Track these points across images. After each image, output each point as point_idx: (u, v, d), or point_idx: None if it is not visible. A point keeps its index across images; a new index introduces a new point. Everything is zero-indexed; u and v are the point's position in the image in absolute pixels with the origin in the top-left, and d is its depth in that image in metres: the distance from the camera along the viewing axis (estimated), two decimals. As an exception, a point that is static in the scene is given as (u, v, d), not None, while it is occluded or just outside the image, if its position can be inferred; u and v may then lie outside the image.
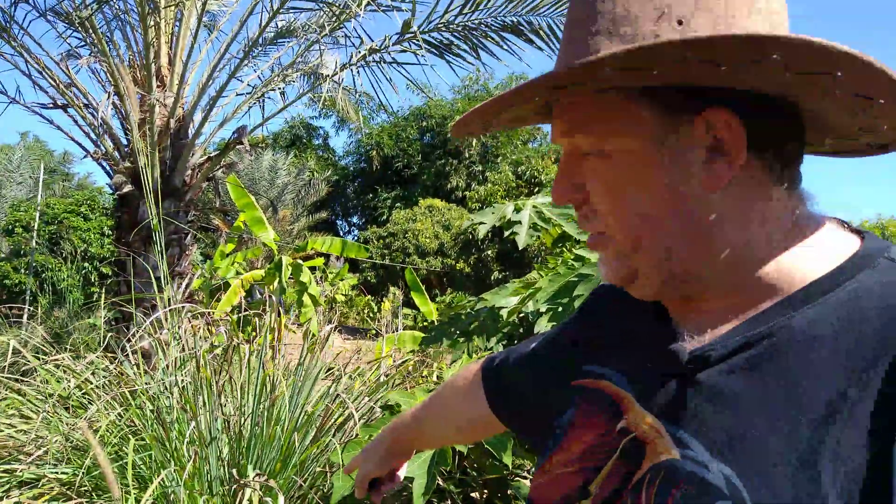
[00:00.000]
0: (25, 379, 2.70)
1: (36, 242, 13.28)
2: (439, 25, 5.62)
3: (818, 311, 0.61)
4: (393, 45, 5.74)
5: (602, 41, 0.65)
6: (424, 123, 24.13)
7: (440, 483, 2.33)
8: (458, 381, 1.13)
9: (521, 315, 2.93)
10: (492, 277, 16.76)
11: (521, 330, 3.02)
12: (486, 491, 2.34)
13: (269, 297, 3.28)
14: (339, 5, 5.40)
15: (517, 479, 2.33)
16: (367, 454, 1.25)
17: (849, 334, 0.58)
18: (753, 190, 0.65)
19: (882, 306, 0.59)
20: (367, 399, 2.57)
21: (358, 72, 6.00)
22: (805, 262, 0.65)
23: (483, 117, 0.72)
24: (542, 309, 2.17)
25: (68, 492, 2.05)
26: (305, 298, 7.14)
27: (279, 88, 6.02)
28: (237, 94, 6.02)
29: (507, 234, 3.13)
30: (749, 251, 0.66)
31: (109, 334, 2.91)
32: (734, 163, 0.65)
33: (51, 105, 5.36)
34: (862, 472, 0.53)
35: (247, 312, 3.58)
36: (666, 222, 0.67)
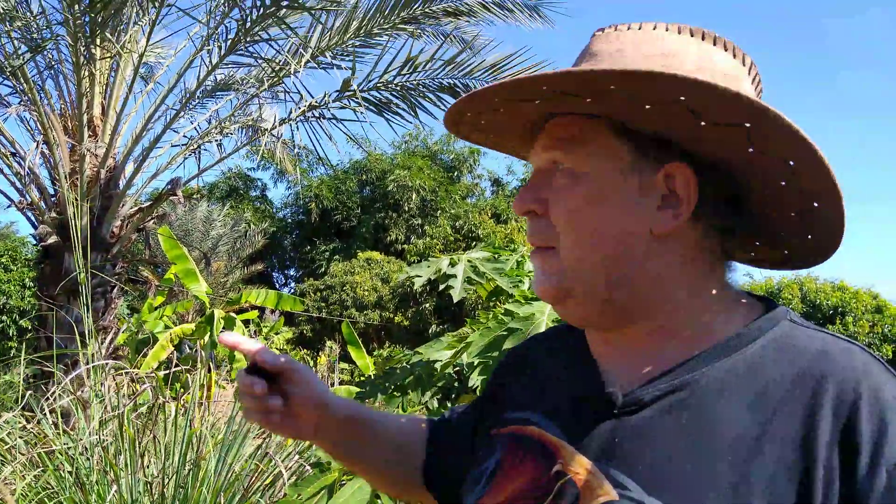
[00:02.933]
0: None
1: (-51, 294, 12.52)
2: (378, 84, 5.77)
3: (731, 363, 0.70)
4: (333, 101, 5.84)
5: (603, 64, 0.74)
6: (364, 177, 24.25)
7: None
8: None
9: (457, 368, 2.96)
10: (430, 331, 16.72)
11: (456, 384, 3.04)
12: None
13: (199, 351, 3.20)
14: (279, 62, 5.48)
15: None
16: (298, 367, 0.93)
17: (756, 384, 0.68)
18: (691, 248, 0.75)
19: (787, 359, 0.69)
20: (297, 457, 2.52)
21: (297, 126, 6.07)
22: (721, 320, 0.74)
23: (478, 105, 0.77)
24: (474, 363, 2.21)
25: (-27, 562, 1.93)
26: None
27: (216, 140, 6.01)
28: (172, 145, 5.98)
29: (441, 287, 3.17)
30: (675, 300, 0.74)
31: (28, 392, 2.78)
32: (680, 216, 0.74)
33: (-26, 153, 5.18)
34: (788, 500, 0.61)
35: (176, 368, 3.48)
36: (611, 251, 0.73)
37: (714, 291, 0.76)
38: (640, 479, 0.66)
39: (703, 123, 0.68)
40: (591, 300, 0.75)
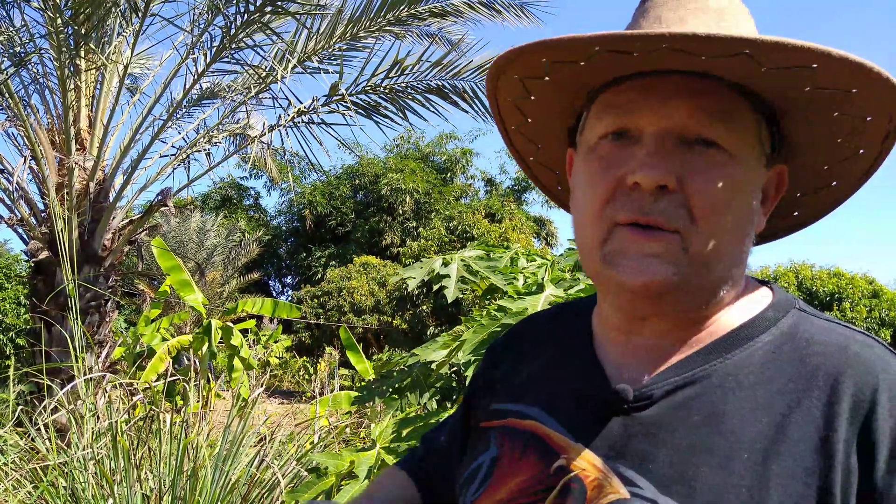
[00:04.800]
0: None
1: (-57, 315, 12.45)
2: (366, 88, 5.76)
3: (743, 356, 0.67)
4: (321, 106, 5.83)
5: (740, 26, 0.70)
6: (357, 181, 24.21)
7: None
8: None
9: (454, 368, 2.94)
10: (428, 332, 16.69)
11: (454, 384, 3.02)
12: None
13: (196, 362, 3.18)
14: (265, 68, 5.46)
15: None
16: None
17: (771, 380, 0.65)
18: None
19: (802, 353, 0.66)
20: (295, 463, 2.50)
21: (287, 132, 6.05)
22: (733, 308, 0.72)
23: (557, 53, 0.67)
24: (470, 360, 2.19)
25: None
26: (236, 362, 6.93)
27: (205, 150, 5.98)
28: (161, 156, 5.95)
29: (436, 287, 3.16)
30: (727, 294, 0.72)
31: (20, 408, 2.75)
32: (766, 214, 0.73)
33: (-39, 171, 5.15)
34: (806, 501, 0.59)
35: (175, 378, 3.45)
36: (739, 246, 0.69)
37: (742, 279, 0.74)
38: (652, 478, 0.64)
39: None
40: (700, 297, 0.68)
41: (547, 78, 0.72)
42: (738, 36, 0.59)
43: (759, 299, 0.73)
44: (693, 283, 0.67)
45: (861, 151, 0.71)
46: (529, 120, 0.81)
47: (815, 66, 0.61)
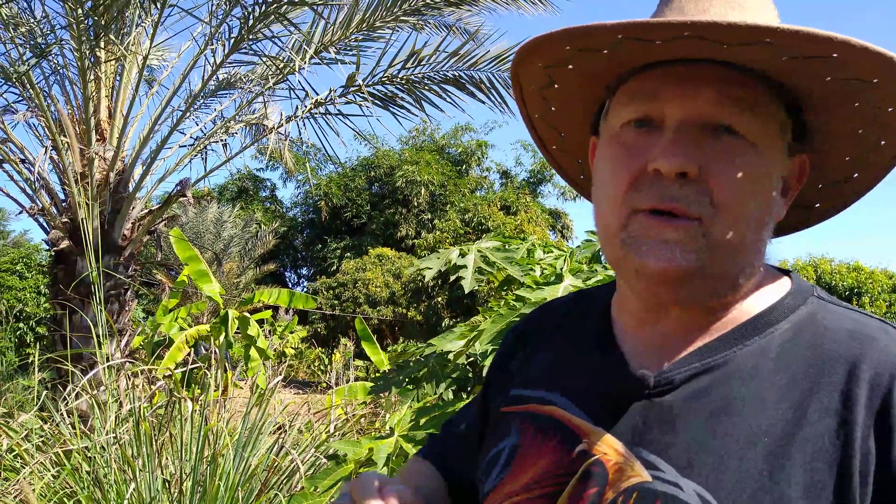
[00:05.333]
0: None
1: (-34, 303, 12.66)
2: (383, 79, 5.75)
3: (762, 343, 0.68)
4: (338, 97, 5.83)
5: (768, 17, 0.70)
6: (373, 173, 24.23)
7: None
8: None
9: (470, 359, 2.95)
10: (443, 324, 16.72)
11: (470, 374, 3.03)
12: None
13: (215, 351, 3.21)
14: (283, 59, 5.47)
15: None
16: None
17: (789, 367, 0.66)
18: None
19: (820, 341, 0.67)
20: (313, 450, 2.52)
21: (304, 123, 6.06)
22: (755, 296, 0.72)
23: (582, 40, 0.66)
24: (487, 350, 2.20)
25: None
26: (252, 352, 7.00)
27: (222, 140, 6.01)
28: (179, 146, 5.99)
29: (452, 278, 3.16)
30: (746, 282, 0.72)
31: (44, 393, 2.80)
32: (788, 204, 0.73)
33: (-16, 161, 5.21)
34: (825, 486, 0.60)
35: (193, 366, 3.49)
36: (758, 235, 0.69)
37: (761, 268, 0.74)
38: (673, 462, 0.65)
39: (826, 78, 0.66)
40: (719, 285, 0.69)
41: (570, 66, 0.72)
42: (759, 24, 0.59)
43: (778, 287, 0.74)
44: (713, 271, 0.67)
45: (882, 143, 0.71)
46: (553, 108, 0.81)
47: (835, 55, 0.61)
